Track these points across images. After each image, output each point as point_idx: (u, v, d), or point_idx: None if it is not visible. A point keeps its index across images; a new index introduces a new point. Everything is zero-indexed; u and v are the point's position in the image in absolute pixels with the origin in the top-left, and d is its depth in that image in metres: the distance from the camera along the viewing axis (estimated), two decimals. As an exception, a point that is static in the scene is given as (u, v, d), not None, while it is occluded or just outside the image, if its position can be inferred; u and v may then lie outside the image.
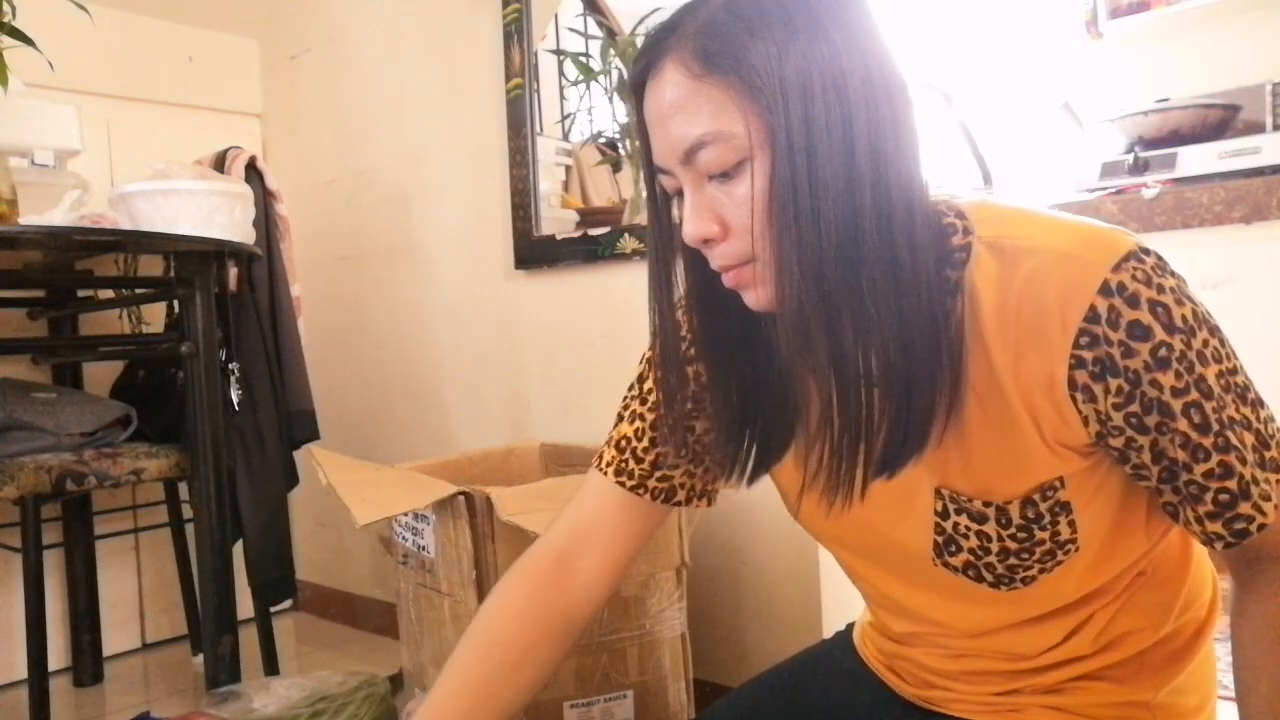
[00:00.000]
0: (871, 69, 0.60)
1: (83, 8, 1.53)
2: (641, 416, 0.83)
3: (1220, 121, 1.80)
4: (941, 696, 0.81)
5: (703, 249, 0.66)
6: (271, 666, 1.89)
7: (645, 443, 0.82)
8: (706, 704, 1.23)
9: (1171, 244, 2.20)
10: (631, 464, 0.82)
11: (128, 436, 1.77)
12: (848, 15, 0.61)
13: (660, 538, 1.37)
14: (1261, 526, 0.62)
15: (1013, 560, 0.68)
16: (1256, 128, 1.83)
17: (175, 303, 1.85)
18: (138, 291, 1.93)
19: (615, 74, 1.91)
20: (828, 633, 1.53)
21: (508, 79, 1.88)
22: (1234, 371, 0.63)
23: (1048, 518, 0.66)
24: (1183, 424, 0.61)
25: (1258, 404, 0.63)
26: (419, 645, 1.46)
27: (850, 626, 0.96)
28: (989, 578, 0.69)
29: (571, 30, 2.06)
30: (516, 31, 1.85)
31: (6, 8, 1.50)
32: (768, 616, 1.61)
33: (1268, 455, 0.63)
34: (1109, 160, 1.83)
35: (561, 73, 2.09)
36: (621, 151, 1.98)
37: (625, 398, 0.86)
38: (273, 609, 1.95)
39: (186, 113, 2.36)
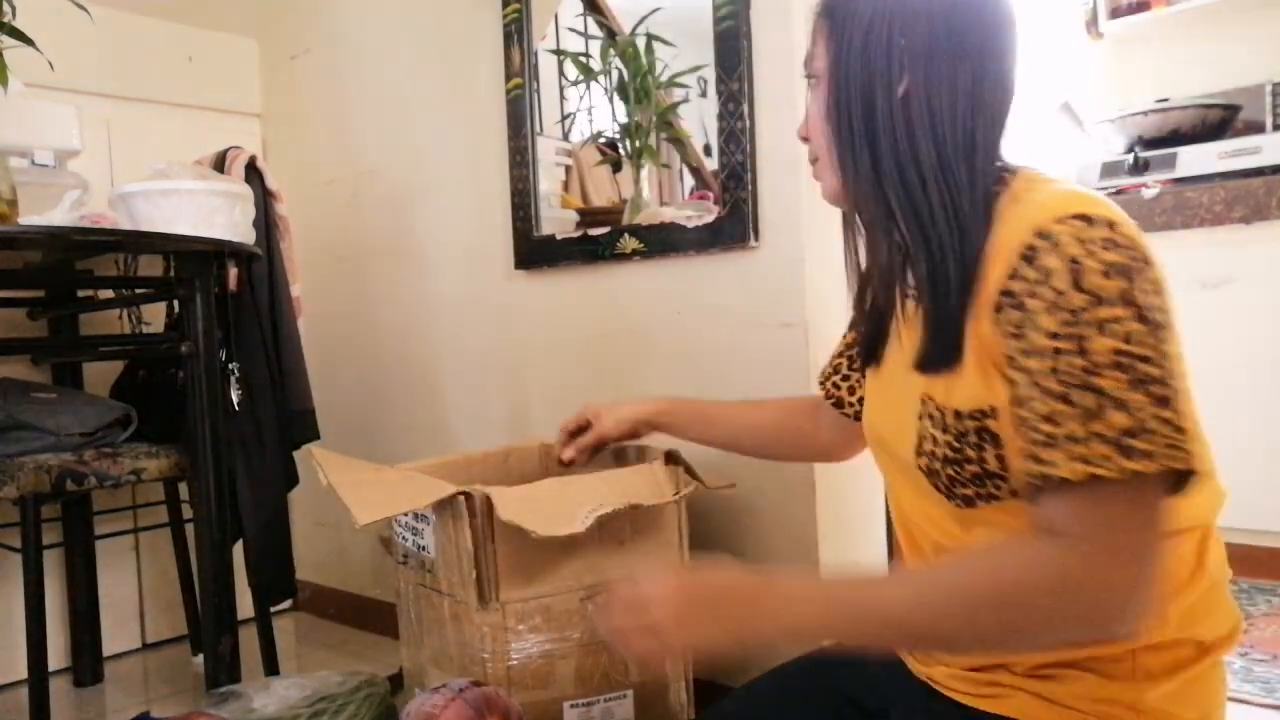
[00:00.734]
0: (937, 26, 0.74)
1: (83, 8, 1.53)
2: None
3: (1220, 121, 1.80)
4: (942, 673, 0.84)
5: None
6: (271, 666, 1.89)
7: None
8: (706, 704, 1.23)
9: (1171, 244, 2.20)
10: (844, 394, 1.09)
11: (128, 436, 1.77)
12: None
13: (660, 537, 1.37)
14: (1055, 480, 0.64)
15: (951, 471, 0.76)
16: (1256, 128, 1.83)
17: (175, 303, 1.85)
18: (138, 291, 1.93)
19: (615, 74, 1.91)
20: (827, 633, 1.53)
21: (508, 79, 1.88)
22: (1145, 360, 0.62)
23: (973, 438, 0.74)
24: (1037, 363, 0.65)
25: (1161, 402, 0.62)
26: (419, 645, 1.46)
27: None
28: (941, 486, 0.78)
29: (571, 30, 2.07)
30: (516, 31, 1.85)
31: (6, 8, 1.50)
32: (768, 616, 1.61)
33: (1133, 444, 0.62)
34: (1109, 160, 1.83)
35: (561, 73, 2.09)
36: (621, 151, 1.98)
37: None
38: (273, 609, 1.95)
39: (186, 113, 2.36)
